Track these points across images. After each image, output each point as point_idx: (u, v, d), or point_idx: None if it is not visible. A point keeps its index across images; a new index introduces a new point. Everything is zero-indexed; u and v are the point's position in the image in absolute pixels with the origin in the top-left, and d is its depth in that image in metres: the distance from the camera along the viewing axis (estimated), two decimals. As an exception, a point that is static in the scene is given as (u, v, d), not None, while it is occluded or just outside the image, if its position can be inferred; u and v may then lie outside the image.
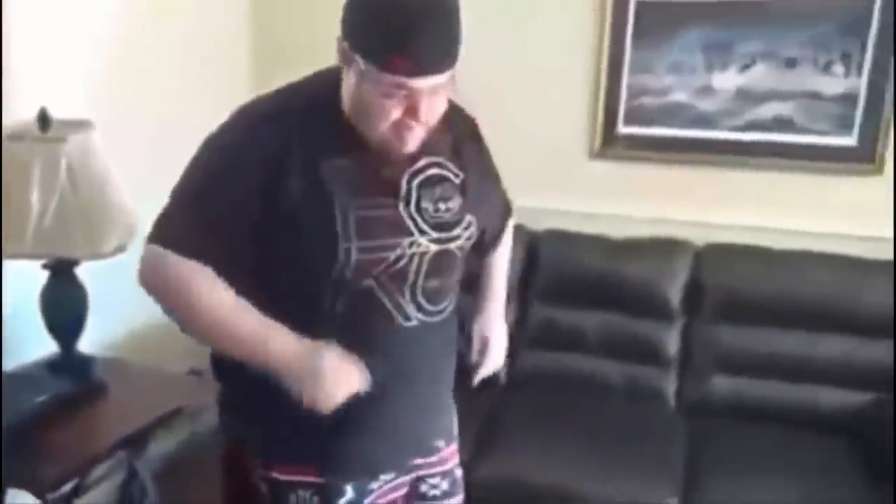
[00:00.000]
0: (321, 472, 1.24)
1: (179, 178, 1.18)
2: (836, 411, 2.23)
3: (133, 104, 2.28)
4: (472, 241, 1.25)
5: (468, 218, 1.22)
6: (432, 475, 1.36)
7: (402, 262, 1.14)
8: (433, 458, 1.35)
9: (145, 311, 2.42)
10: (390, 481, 1.30)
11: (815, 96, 2.41)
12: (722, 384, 2.34)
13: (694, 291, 2.40)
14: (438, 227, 1.17)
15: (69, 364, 1.95)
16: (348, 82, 1.09)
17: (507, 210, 1.46)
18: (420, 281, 1.17)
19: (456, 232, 1.20)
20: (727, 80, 2.47)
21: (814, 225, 2.43)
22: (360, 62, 1.03)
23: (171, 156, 2.36)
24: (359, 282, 1.13)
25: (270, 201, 1.10)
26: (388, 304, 1.16)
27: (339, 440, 1.22)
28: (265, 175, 1.10)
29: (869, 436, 2.12)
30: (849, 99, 2.39)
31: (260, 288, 1.15)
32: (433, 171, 1.19)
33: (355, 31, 1.04)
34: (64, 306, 1.91)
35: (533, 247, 2.51)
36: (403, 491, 1.34)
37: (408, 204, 1.15)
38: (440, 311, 1.22)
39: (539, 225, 2.55)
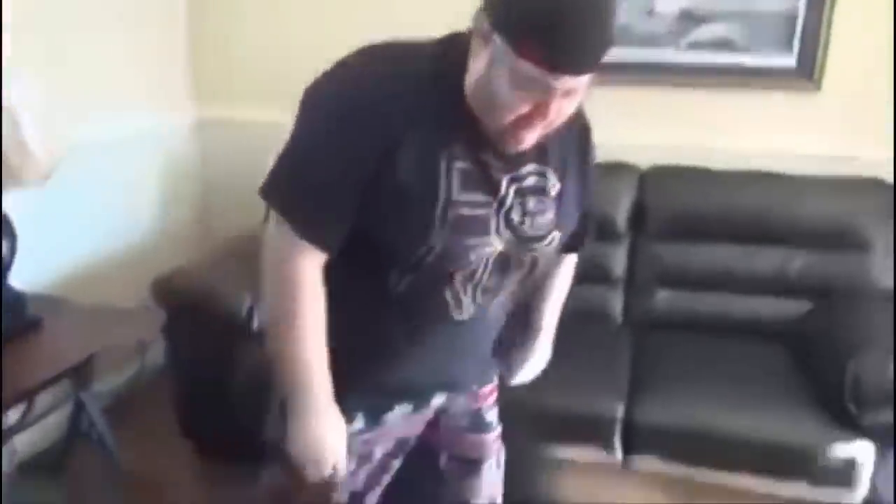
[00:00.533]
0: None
1: (296, 128, 1.07)
2: (773, 320, 2.32)
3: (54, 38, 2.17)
4: (549, 254, 1.18)
5: (553, 234, 1.14)
6: (453, 410, 1.33)
7: (476, 262, 1.09)
8: (459, 398, 1.32)
9: (82, 249, 2.43)
10: (408, 415, 1.26)
11: (755, 16, 2.42)
12: (665, 299, 2.41)
13: (639, 212, 2.44)
14: (517, 235, 1.11)
15: (1, 300, 1.88)
16: (478, 62, 0.97)
17: (583, 234, 1.31)
18: (484, 280, 1.12)
19: (535, 246, 1.14)
20: (670, 1, 2.45)
21: (755, 143, 2.48)
22: (498, 43, 0.92)
23: (87, 79, 2.32)
24: (432, 273, 1.08)
25: (380, 172, 1.01)
26: (449, 298, 1.11)
27: (357, 376, 1.17)
28: (383, 144, 1.00)
29: (804, 342, 2.21)
30: (788, 18, 2.40)
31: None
32: (533, 180, 1.10)
33: (500, 9, 0.93)
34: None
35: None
36: (420, 428, 1.31)
37: (501, 208, 1.08)
38: (490, 308, 1.19)
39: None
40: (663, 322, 2.39)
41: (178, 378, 2.29)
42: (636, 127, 2.55)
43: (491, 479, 1.41)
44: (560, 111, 0.98)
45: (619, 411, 1.98)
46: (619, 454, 2.01)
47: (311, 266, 1.07)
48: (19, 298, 1.93)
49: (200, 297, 2.14)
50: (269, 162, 1.31)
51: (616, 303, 2.44)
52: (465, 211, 1.04)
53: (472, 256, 1.07)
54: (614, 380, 2.07)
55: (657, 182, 2.46)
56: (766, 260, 2.34)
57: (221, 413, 2.09)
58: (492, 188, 1.06)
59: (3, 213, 1.86)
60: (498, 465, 1.42)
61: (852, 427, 1.87)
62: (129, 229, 2.67)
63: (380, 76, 1.02)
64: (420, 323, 1.14)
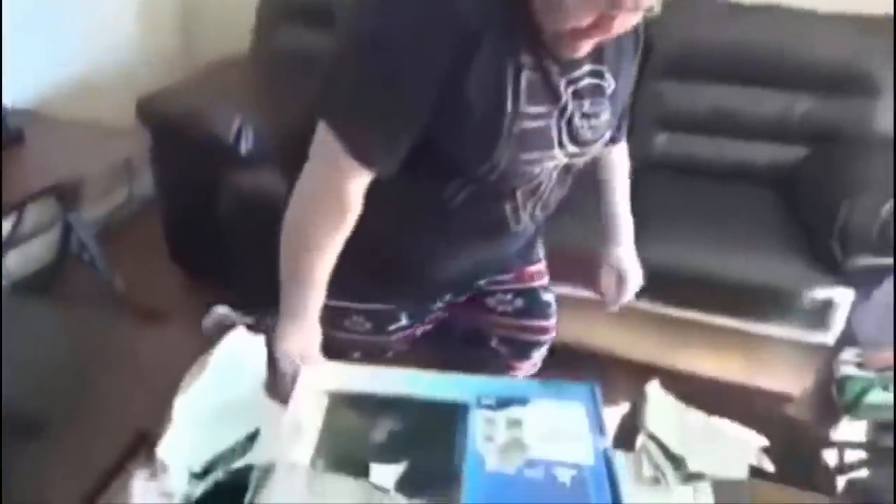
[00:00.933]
0: (377, 301, 1.19)
1: (357, 26, 0.95)
2: (771, 166, 2.29)
3: None
4: (596, 153, 1.14)
5: (608, 134, 1.10)
6: (503, 290, 1.31)
7: (540, 177, 1.04)
8: (504, 277, 1.30)
9: (61, 65, 2.32)
10: (449, 300, 1.26)
11: None
12: (662, 141, 2.36)
13: (644, 46, 2.32)
14: (579, 142, 1.05)
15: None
16: None
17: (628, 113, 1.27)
18: (545, 195, 1.08)
19: (592, 148, 1.08)
20: None
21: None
22: None
23: None
24: (493, 189, 1.03)
25: (452, 81, 0.91)
26: (508, 213, 1.08)
27: (401, 278, 1.16)
28: (461, 47, 0.89)
29: (799, 187, 2.19)
30: None
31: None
32: (591, 80, 1.03)
33: None
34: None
35: None
36: (458, 303, 1.30)
37: (562, 115, 1.01)
38: (545, 217, 1.16)
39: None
40: (659, 164, 2.35)
41: (166, 203, 2.28)
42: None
43: (535, 360, 1.41)
44: (623, 24, 0.90)
45: (607, 249, 1.99)
46: (603, 291, 2.04)
47: (358, 188, 0.97)
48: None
49: (186, 119, 2.07)
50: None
51: (612, 143, 2.39)
52: (530, 124, 0.97)
53: (536, 171, 1.02)
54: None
55: (666, 15, 2.30)
56: (770, 103, 2.26)
57: (209, 238, 2.09)
58: (554, 96, 0.99)
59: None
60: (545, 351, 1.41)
61: (834, 271, 1.90)
62: (109, 46, 2.54)
63: None
64: (473, 234, 1.10)
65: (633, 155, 2.34)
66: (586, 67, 1.01)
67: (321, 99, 0.97)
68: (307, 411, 0.86)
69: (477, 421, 0.85)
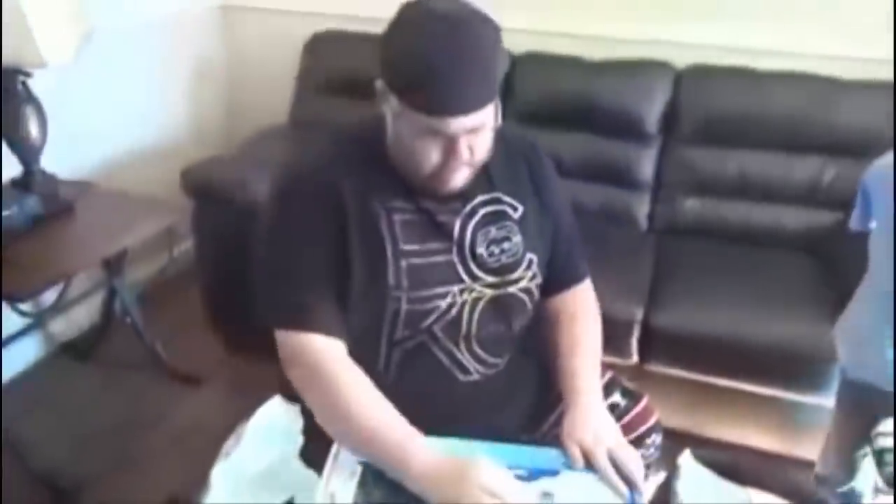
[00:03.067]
0: None
1: (264, 254, 1.09)
2: (803, 231, 2.28)
3: None
4: (538, 281, 1.15)
5: (528, 256, 1.14)
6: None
7: (454, 311, 1.08)
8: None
9: (112, 137, 2.43)
10: None
11: None
12: (693, 206, 2.37)
13: (672, 113, 2.36)
14: (496, 271, 1.11)
15: (34, 182, 1.92)
16: (388, 123, 1.04)
17: (574, 254, 1.26)
18: (474, 330, 1.10)
19: (517, 274, 1.13)
20: None
21: (798, 44, 2.36)
22: (393, 101, 0.99)
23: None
24: (412, 335, 1.08)
25: (343, 255, 1.04)
26: (445, 360, 1.10)
27: None
28: (333, 229, 1.04)
29: (832, 253, 2.16)
30: None
31: None
32: (489, 208, 1.12)
33: (388, 70, 0.98)
34: (19, 121, 1.84)
35: (510, 69, 2.44)
36: None
37: (462, 248, 1.09)
38: (500, 363, 1.15)
39: (517, 46, 2.46)
40: (689, 230, 2.36)
41: (206, 273, 2.33)
42: (674, 23, 2.44)
43: (647, 449, 1.19)
44: (473, 148, 1.01)
45: (638, 315, 1.98)
46: (634, 357, 2.03)
47: (329, 349, 1.04)
48: (51, 181, 1.96)
49: (229, 188, 2.14)
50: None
51: (642, 208, 2.41)
52: (419, 260, 1.07)
53: (444, 304, 1.07)
54: (635, 284, 2.06)
55: (693, 83, 2.36)
56: (799, 168, 2.27)
57: (247, 309, 2.12)
58: (445, 234, 1.09)
59: (34, 96, 1.86)
60: None
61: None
62: (159, 118, 2.67)
63: (303, 175, 1.09)
64: (425, 392, 1.08)
65: (663, 219, 2.39)
66: (479, 198, 1.11)
67: (263, 309, 1.09)
68: (341, 481, 0.87)
69: (509, 492, 0.86)
